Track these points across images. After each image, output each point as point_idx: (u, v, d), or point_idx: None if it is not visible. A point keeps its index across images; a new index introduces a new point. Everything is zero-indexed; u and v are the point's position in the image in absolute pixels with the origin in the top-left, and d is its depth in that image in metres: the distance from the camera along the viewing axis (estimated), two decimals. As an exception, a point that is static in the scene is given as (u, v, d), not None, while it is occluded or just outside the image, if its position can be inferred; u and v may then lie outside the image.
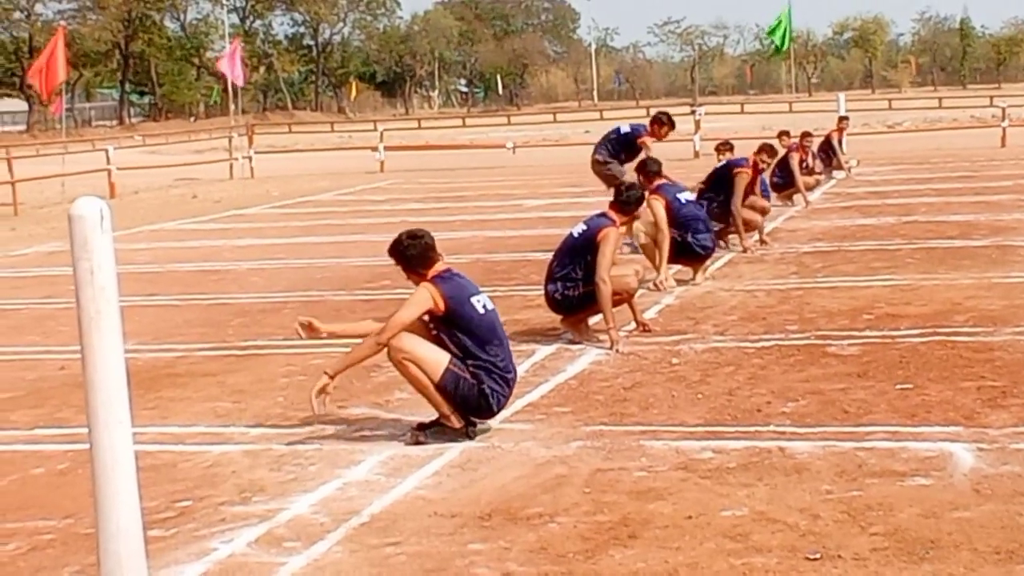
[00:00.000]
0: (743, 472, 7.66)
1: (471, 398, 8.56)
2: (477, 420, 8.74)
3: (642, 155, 17.40)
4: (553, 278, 11.70)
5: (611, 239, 11.35)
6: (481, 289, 8.97)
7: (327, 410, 8.65)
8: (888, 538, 6.46)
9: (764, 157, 17.72)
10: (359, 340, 8.74)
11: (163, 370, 11.46)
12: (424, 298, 8.53)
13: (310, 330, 8.86)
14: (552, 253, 12.09)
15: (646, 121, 18.78)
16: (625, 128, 18.80)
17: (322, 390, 8.44)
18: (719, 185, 17.64)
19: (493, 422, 8.93)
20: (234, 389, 10.62)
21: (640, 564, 6.27)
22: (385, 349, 8.57)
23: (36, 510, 7.67)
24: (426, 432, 8.63)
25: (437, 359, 8.53)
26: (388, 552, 6.64)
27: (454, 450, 8.40)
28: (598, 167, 18.57)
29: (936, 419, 8.63)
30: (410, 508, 7.35)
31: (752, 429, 8.59)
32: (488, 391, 8.57)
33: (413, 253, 8.72)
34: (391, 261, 8.95)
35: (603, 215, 11.69)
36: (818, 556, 6.25)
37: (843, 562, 6.17)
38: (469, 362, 8.58)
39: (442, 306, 8.53)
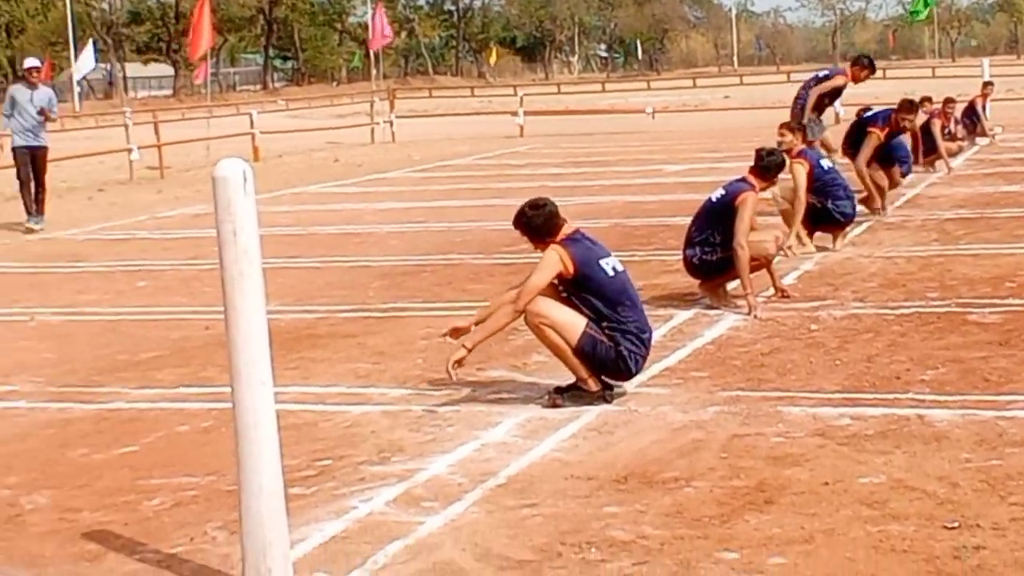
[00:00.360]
0: (881, 439, 7.60)
1: (609, 360, 8.56)
2: (614, 383, 8.74)
3: (827, 86, 17.40)
4: (691, 243, 11.66)
5: (749, 204, 11.27)
6: (613, 252, 8.94)
7: (461, 380, 8.69)
8: (1029, 508, 6.38)
9: (904, 115, 17.18)
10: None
11: (304, 331, 11.59)
12: (554, 260, 8.52)
13: (457, 332, 8.85)
14: (691, 218, 12.04)
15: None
16: (823, 72, 18.64)
17: (459, 362, 8.48)
18: (858, 142, 17.46)
19: (629, 386, 8.93)
20: (374, 351, 10.72)
21: (776, 529, 6.25)
22: (522, 315, 8.61)
23: (180, 467, 7.81)
24: (563, 396, 8.65)
25: (574, 323, 8.54)
26: (524, 513, 6.67)
27: (591, 413, 8.42)
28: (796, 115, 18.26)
29: (1080, 388, 8.51)
30: (547, 470, 7.38)
31: (891, 396, 8.52)
32: (626, 352, 8.55)
33: (538, 223, 8.69)
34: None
35: (742, 180, 11.62)
36: (956, 525, 6.19)
37: (981, 531, 6.09)
38: (604, 324, 8.57)
39: (571, 268, 8.52)
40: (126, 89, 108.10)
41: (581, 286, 8.59)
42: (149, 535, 6.66)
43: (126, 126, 33.14)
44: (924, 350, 9.75)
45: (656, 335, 10.32)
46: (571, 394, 8.65)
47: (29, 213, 21.08)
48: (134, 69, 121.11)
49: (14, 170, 21.54)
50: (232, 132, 37.58)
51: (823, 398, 8.56)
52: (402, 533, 6.45)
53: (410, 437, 8.16)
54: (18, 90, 21.49)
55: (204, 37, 36.80)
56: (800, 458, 7.32)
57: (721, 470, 7.20)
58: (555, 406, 8.56)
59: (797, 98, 18.25)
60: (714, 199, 11.66)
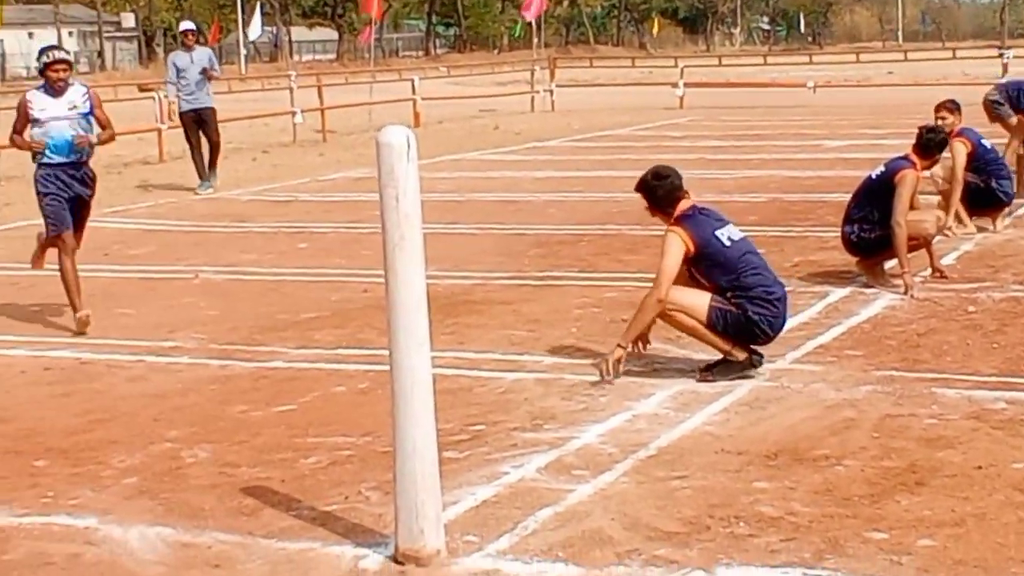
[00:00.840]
0: (1038, 425, 7.51)
1: (741, 327, 8.59)
2: (759, 350, 8.74)
3: None
4: (850, 219, 11.57)
5: (908, 182, 11.15)
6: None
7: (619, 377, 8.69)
8: None
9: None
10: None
11: (461, 297, 11.69)
12: (677, 244, 8.57)
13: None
14: (850, 195, 11.95)
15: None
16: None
17: (618, 361, 8.57)
18: None
19: (783, 363, 8.94)
20: (529, 318, 10.78)
21: (926, 511, 6.21)
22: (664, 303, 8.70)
23: (337, 426, 7.94)
24: (713, 371, 8.66)
25: (700, 302, 8.60)
26: (674, 485, 6.69)
27: (743, 388, 8.41)
28: (987, 104, 17.75)
29: None
30: (697, 443, 7.40)
31: (1049, 382, 8.40)
32: (756, 317, 8.56)
33: (660, 193, 8.79)
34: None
35: (903, 157, 11.50)
36: (1113, 514, 6.11)
37: None
38: (728, 294, 8.61)
39: (692, 247, 8.58)
40: (291, 53, 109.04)
41: (701, 260, 8.67)
42: (305, 492, 6.79)
43: (291, 89, 33.56)
44: (1085, 336, 9.60)
45: (811, 312, 10.31)
46: (720, 368, 8.65)
47: (201, 178, 21.43)
48: (299, 33, 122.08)
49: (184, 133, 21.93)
50: (394, 97, 37.81)
51: (979, 381, 8.47)
52: (552, 500, 6.51)
53: (562, 405, 8.22)
54: (178, 55, 21.80)
55: (375, 3, 37.12)
56: (953, 441, 7.26)
57: (873, 450, 7.16)
58: (706, 381, 8.58)
59: (989, 94, 17.56)
60: (874, 176, 11.58)
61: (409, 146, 5.61)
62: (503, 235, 15.47)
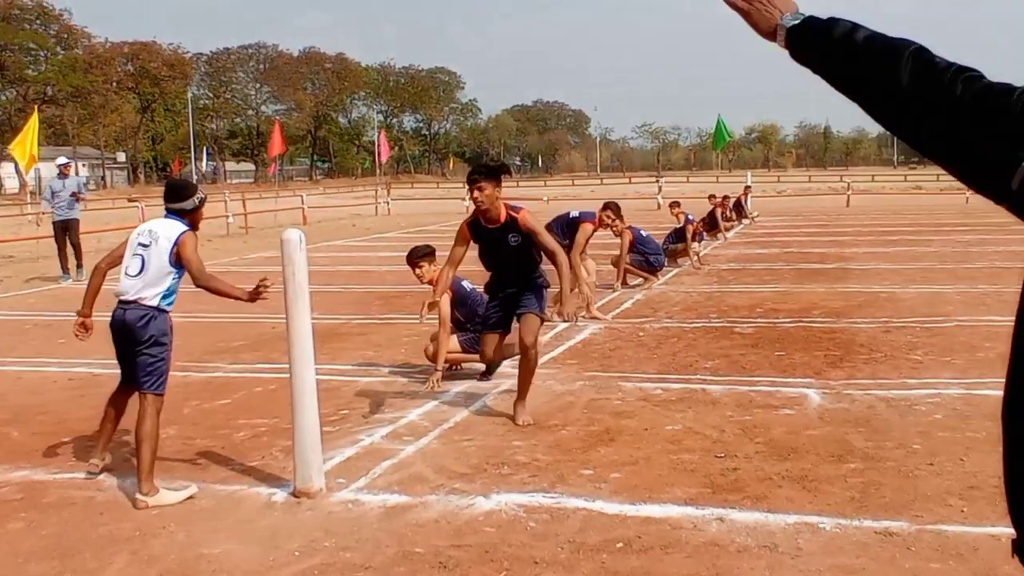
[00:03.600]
0: (680, 403, 7.70)
1: (477, 344, 8.62)
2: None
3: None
4: None
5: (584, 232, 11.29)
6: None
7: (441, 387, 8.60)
8: (766, 445, 6.49)
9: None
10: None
11: (333, 331, 11.57)
12: (446, 300, 8.41)
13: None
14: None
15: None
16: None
17: (438, 381, 8.40)
18: (677, 235, 17.53)
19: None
20: (375, 344, 10.72)
21: (616, 456, 6.33)
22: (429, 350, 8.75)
23: (256, 413, 7.80)
24: (487, 376, 8.71)
25: (455, 342, 8.73)
26: (464, 445, 6.72)
27: (504, 384, 8.46)
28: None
29: (798, 373, 8.63)
30: (478, 418, 7.43)
31: (686, 377, 8.62)
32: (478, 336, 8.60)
33: (427, 252, 9.08)
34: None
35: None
36: (723, 455, 6.29)
37: (738, 459, 6.20)
38: (469, 326, 8.71)
39: (451, 292, 8.59)
40: (225, 178, 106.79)
41: (457, 299, 8.73)
42: (237, 454, 6.66)
43: (225, 201, 32.81)
44: (707, 349, 9.86)
45: (544, 338, 10.41)
46: (490, 368, 8.69)
47: (64, 270, 18.42)
48: (231, 166, 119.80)
49: (52, 238, 19.11)
50: (290, 207, 37.29)
51: (645, 377, 8.64)
52: (391, 455, 6.49)
53: (397, 397, 8.19)
54: (54, 181, 18.77)
55: (277, 146, 36.57)
56: (631, 413, 7.41)
57: (583, 420, 7.28)
58: (483, 379, 8.63)
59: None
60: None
61: (301, 241, 5.60)
62: (359, 292, 15.34)
